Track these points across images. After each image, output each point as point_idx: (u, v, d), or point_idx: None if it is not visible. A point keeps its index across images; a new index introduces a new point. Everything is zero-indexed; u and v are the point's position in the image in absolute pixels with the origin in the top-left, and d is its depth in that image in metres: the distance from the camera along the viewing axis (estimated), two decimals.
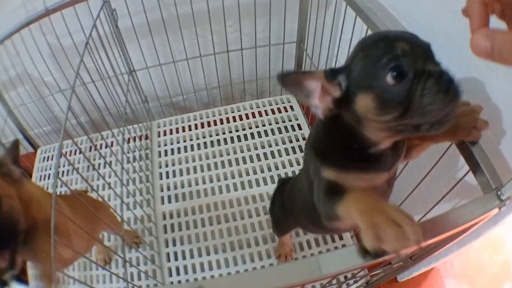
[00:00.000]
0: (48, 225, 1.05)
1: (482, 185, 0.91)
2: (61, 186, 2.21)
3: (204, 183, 2.14)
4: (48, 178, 2.35)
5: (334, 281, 1.36)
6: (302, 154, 2.18)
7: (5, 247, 1.05)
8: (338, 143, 0.89)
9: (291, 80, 0.78)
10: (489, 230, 1.14)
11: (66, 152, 2.48)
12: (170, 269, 1.87)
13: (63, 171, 2.38)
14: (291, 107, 2.44)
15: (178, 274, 1.86)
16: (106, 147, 2.40)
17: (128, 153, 2.14)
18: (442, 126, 0.73)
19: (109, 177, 2.26)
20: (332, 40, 1.99)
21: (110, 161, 2.32)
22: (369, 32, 1.41)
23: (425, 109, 0.69)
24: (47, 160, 2.47)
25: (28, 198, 1.19)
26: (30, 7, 1.87)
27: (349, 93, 0.78)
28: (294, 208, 1.38)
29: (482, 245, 1.78)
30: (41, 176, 2.38)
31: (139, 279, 1.86)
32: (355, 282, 1.52)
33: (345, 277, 1.64)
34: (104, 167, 2.31)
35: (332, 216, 0.83)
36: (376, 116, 0.75)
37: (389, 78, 0.70)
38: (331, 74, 0.79)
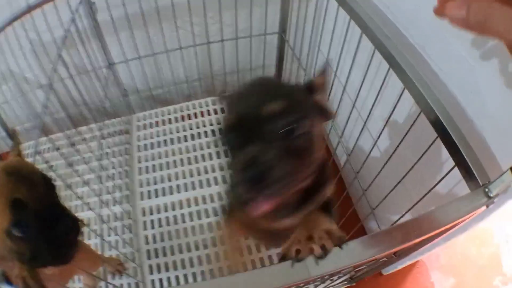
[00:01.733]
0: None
1: (469, 182, 0.89)
2: None
3: (184, 177, 2.11)
4: None
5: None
6: None
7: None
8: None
9: None
10: (476, 225, 1.12)
11: (44, 150, 2.44)
12: (150, 267, 1.84)
13: (42, 169, 2.33)
14: None
15: (159, 271, 1.83)
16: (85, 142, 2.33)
17: (108, 148, 2.10)
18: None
19: (88, 173, 2.20)
20: (314, 31, 1.95)
21: (90, 157, 2.27)
22: (352, 23, 1.38)
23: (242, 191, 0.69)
24: (28, 157, 2.42)
25: None
26: (14, 5, 1.82)
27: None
28: None
29: (469, 237, 1.77)
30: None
31: (120, 277, 1.83)
32: (339, 277, 1.49)
33: (330, 274, 1.62)
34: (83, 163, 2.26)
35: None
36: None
37: (228, 148, 0.77)
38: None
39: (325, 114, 0.85)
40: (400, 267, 1.76)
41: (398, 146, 1.22)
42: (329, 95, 1.78)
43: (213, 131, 2.30)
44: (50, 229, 0.96)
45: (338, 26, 1.59)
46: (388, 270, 1.80)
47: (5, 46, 1.96)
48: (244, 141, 0.69)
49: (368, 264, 1.27)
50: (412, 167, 1.15)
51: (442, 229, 0.72)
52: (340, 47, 1.60)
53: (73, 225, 1.03)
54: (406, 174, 1.19)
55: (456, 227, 0.83)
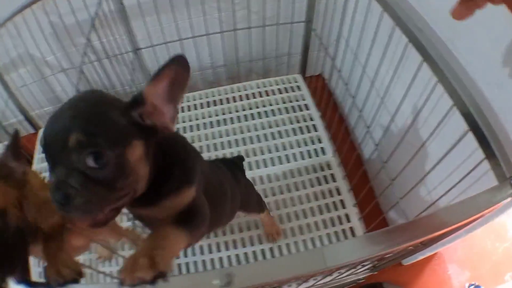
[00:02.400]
0: (55, 227, 1.07)
1: (497, 174, 0.91)
2: None
3: None
4: None
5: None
6: (310, 134, 2.19)
7: (17, 265, 0.99)
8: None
9: None
10: (496, 218, 1.14)
11: None
12: None
13: None
14: (298, 87, 2.43)
15: (185, 256, 1.85)
16: None
17: None
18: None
19: None
20: (342, 21, 1.95)
21: None
22: (385, 15, 1.39)
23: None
24: None
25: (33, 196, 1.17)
26: None
27: None
28: None
29: (485, 231, 1.79)
30: (43, 158, 2.34)
31: None
32: (363, 266, 1.52)
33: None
34: None
35: None
36: None
37: None
38: None
39: (152, 131, 0.78)
40: (420, 257, 1.78)
41: (428, 138, 1.25)
42: (357, 88, 1.80)
43: (238, 117, 2.32)
44: None
45: (370, 17, 1.60)
46: (408, 261, 1.83)
47: (24, 29, 1.98)
48: (54, 162, 0.71)
49: (395, 253, 1.30)
50: (442, 158, 1.17)
51: (472, 218, 0.74)
52: (369, 39, 1.61)
53: None
54: (435, 165, 1.21)
55: (480, 219, 0.85)
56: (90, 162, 0.67)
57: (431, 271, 1.88)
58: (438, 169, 1.21)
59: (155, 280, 0.65)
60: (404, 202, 1.49)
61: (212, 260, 1.84)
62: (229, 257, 1.84)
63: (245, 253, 1.84)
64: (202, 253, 1.86)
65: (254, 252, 1.84)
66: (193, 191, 0.90)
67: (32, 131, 2.59)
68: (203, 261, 1.84)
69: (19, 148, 1.13)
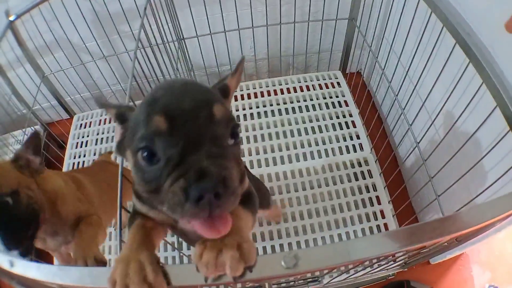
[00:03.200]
0: (75, 218, 1.28)
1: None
2: (94, 154, 2.34)
3: (250, 154, 2.17)
4: (86, 145, 2.42)
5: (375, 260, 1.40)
6: (348, 130, 2.22)
7: (25, 237, 1.14)
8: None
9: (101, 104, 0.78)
10: None
11: (102, 120, 2.55)
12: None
13: (101, 138, 2.45)
14: (338, 83, 2.45)
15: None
16: None
17: None
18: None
19: None
20: (386, 21, 1.97)
21: None
22: (433, 17, 1.42)
23: (169, 205, 0.58)
24: (84, 127, 2.53)
25: (52, 190, 1.28)
26: None
27: (125, 142, 0.70)
28: None
29: (507, 235, 1.80)
30: (76, 143, 2.44)
31: (188, 248, 1.89)
32: (395, 262, 1.55)
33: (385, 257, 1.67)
34: None
35: None
36: (135, 177, 0.67)
37: (140, 156, 0.61)
38: (120, 118, 0.74)
39: None
40: (448, 256, 1.80)
41: (470, 138, 1.27)
42: (399, 90, 1.83)
43: (279, 110, 2.35)
44: None
45: (417, 20, 1.60)
46: (436, 260, 1.85)
47: (63, 14, 2.01)
48: (182, 149, 0.58)
49: (429, 248, 1.33)
50: (483, 157, 1.20)
51: (505, 214, 0.75)
52: (413, 40, 1.64)
53: None
54: (476, 163, 1.24)
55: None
56: (230, 139, 0.63)
57: (456, 270, 1.90)
58: (475, 168, 1.24)
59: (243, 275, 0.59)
60: (439, 201, 1.52)
61: (272, 247, 1.88)
62: (264, 248, 1.88)
63: (306, 240, 1.88)
64: (263, 240, 1.90)
65: (314, 240, 1.88)
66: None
67: (65, 116, 2.66)
68: (264, 248, 1.88)
69: (39, 146, 1.26)
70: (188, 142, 0.58)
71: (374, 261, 1.36)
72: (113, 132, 2.44)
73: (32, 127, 2.35)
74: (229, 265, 0.57)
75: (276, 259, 0.63)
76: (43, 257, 1.78)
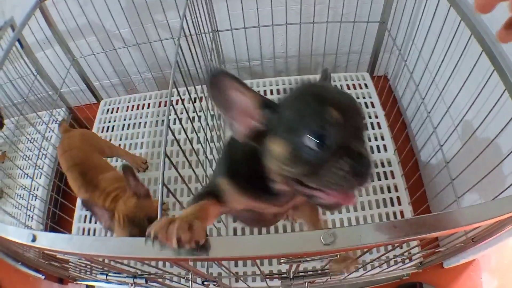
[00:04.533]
0: None
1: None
2: (120, 139, 2.41)
3: None
4: (112, 130, 2.49)
5: (391, 256, 1.43)
6: (373, 131, 2.26)
7: None
8: (247, 165, 0.89)
9: (222, 82, 0.76)
10: None
11: (129, 107, 2.61)
12: (235, 230, 2.00)
13: (128, 124, 2.52)
14: (366, 85, 2.49)
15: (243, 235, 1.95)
16: (177, 103, 2.42)
17: (200, 111, 2.21)
18: (332, 209, 0.77)
19: (179, 133, 2.36)
20: (418, 27, 1.99)
21: (181, 118, 2.37)
22: (462, 25, 1.45)
23: (329, 183, 0.71)
24: (110, 112, 2.59)
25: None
26: None
27: (268, 129, 0.79)
28: None
29: None
30: (102, 127, 2.52)
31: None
32: (410, 260, 1.59)
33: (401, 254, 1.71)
34: (174, 123, 2.39)
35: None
36: (282, 163, 0.76)
37: (309, 141, 0.70)
38: (265, 105, 0.79)
39: None
40: (462, 261, 1.83)
41: (491, 142, 1.31)
42: (425, 95, 1.86)
43: None
44: None
45: (446, 27, 1.64)
46: (449, 264, 1.88)
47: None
48: (349, 137, 0.71)
49: (448, 247, 1.36)
50: (502, 161, 1.24)
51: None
52: (440, 46, 1.68)
53: None
54: (496, 167, 1.28)
55: None
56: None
57: (467, 276, 1.93)
58: (494, 173, 1.28)
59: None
60: (458, 205, 1.56)
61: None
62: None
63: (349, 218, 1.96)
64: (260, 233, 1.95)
65: (349, 219, 1.96)
66: None
67: (93, 100, 2.73)
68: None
69: (134, 174, 1.59)
70: (353, 132, 0.72)
71: (391, 256, 1.40)
72: (139, 118, 2.51)
73: (58, 109, 2.47)
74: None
75: (316, 236, 0.68)
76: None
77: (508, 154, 1.21)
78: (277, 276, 1.27)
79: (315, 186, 0.74)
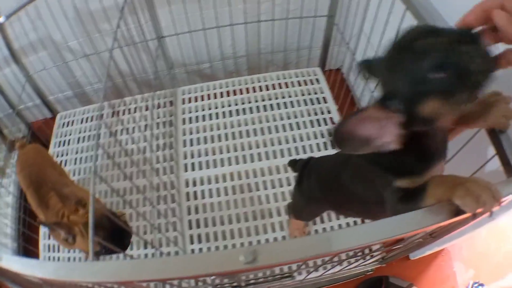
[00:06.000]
0: None
1: (506, 170, 0.94)
2: (76, 153, 2.33)
3: (228, 151, 2.17)
4: (68, 144, 2.40)
5: (351, 253, 1.40)
6: (326, 127, 2.21)
7: None
8: (401, 154, 0.84)
9: (342, 136, 0.73)
10: (503, 215, 1.17)
11: (84, 119, 2.53)
12: (191, 236, 1.92)
13: (83, 137, 2.43)
14: (317, 80, 2.46)
15: (199, 241, 1.90)
16: (129, 113, 2.42)
17: (152, 119, 2.17)
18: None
19: (126, 144, 2.30)
20: (365, 18, 1.97)
21: (133, 127, 2.35)
22: (408, 14, 1.42)
23: (478, 73, 0.69)
24: (67, 126, 2.50)
25: None
26: None
27: (409, 110, 0.75)
28: (342, 204, 1.36)
29: (489, 233, 1.81)
30: (60, 142, 2.42)
31: (160, 245, 1.91)
32: (372, 257, 1.55)
33: (362, 252, 1.68)
34: (127, 132, 2.33)
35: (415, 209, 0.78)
36: (449, 110, 0.73)
37: (440, 77, 0.68)
38: (384, 103, 0.76)
39: None
40: (428, 252, 1.81)
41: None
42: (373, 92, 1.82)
43: (257, 107, 2.35)
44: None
45: (394, 15, 1.59)
46: (415, 255, 1.86)
47: (45, 12, 1.99)
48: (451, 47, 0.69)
49: (404, 244, 1.33)
50: (454, 155, 1.20)
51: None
52: (391, 36, 1.63)
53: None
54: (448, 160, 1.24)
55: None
56: None
57: (437, 267, 1.91)
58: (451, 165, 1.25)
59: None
60: None
61: (225, 247, 1.88)
62: (242, 244, 1.88)
63: (258, 240, 1.88)
64: (216, 239, 1.90)
65: (267, 240, 1.88)
66: None
67: (49, 115, 2.63)
68: (217, 247, 1.88)
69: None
70: (449, 39, 0.69)
71: (346, 256, 1.36)
72: (93, 130, 2.42)
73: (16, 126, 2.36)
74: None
75: (236, 254, 0.64)
76: None
77: (464, 145, 1.17)
78: (228, 285, 1.24)
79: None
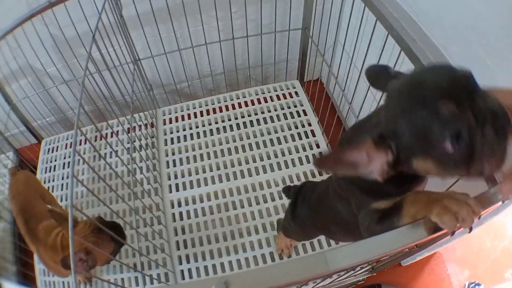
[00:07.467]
0: None
1: (488, 179, 0.93)
2: (62, 178, 2.32)
3: (211, 170, 2.16)
4: (54, 170, 2.38)
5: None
6: (308, 140, 2.21)
7: None
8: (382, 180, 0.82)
9: (329, 163, 0.76)
10: (491, 218, 1.16)
11: (68, 144, 2.52)
12: (180, 257, 1.90)
13: (68, 162, 2.40)
14: (296, 93, 2.45)
15: (188, 262, 1.88)
16: (112, 136, 2.42)
17: (135, 141, 2.15)
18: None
19: (116, 166, 2.28)
20: (339, 28, 1.98)
21: (116, 150, 2.34)
22: (378, 24, 1.42)
23: (488, 156, 0.66)
24: (52, 152, 2.49)
25: None
26: (31, 0, 1.86)
27: (402, 155, 0.74)
28: (329, 226, 1.34)
29: (483, 230, 1.81)
30: (46, 168, 2.41)
31: (150, 268, 1.89)
32: (362, 268, 1.54)
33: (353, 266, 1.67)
34: (110, 156, 2.34)
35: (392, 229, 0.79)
36: (439, 173, 0.72)
37: (448, 146, 0.66)
38: (380, 140, 0.75)
39: None
40: (418, 258, 1.80)
41: None
42: (354, 92, 1.83)
43: (237, 124, 2.34)
44: None
45: (364, 24, 1.61)
46: (407, 261, 1.85)
47: (24, 41, 1.99)
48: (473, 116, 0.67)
49: (391, 255, 1.33)
50: None
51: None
52: (364, 45, 1.64)
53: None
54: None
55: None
56: None
57: (430, 270, 1.90)
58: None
59: None
60: None
61: (214, 266, 1.87)
62: (230, 262, 1.87)
63: (246, 258, 1.87)
64: (204, 259, 1.89)
65: (254, 257, 1.87)
66: None
67: (34, 141, 2.62)
68: (205, 267, 1.87)
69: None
70: (469, 98, 0.66)
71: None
72: (84, 154, 2.43)
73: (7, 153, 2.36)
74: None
75: (206, 284, 0.63)
76: None
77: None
78: None
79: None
